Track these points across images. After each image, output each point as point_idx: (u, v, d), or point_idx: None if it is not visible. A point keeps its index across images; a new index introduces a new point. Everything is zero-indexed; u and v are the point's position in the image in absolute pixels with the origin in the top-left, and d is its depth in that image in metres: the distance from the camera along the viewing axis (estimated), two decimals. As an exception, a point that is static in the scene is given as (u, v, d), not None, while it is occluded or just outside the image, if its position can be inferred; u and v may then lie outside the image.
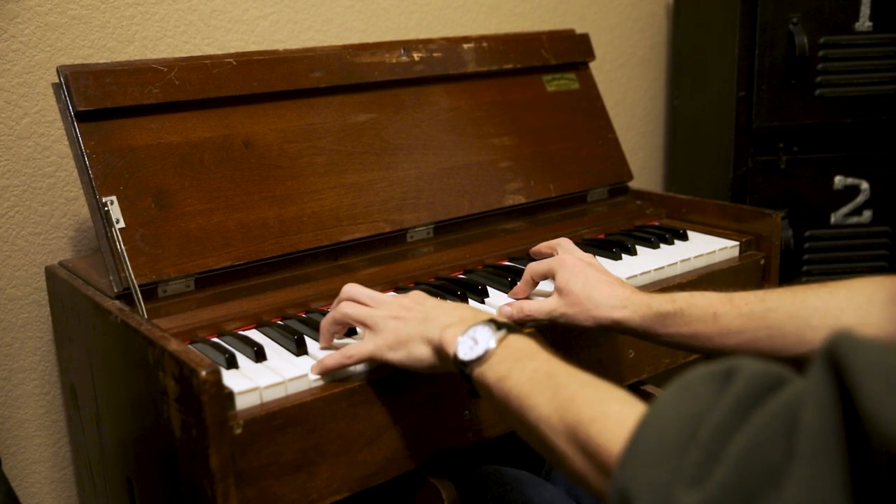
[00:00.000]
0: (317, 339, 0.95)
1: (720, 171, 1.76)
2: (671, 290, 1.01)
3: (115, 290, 0.99)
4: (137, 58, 1.29)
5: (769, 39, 1.64)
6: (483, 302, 1.08)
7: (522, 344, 0.75)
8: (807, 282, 1.71)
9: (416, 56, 1.30)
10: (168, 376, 0.81)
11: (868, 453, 0.42)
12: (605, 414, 0.61)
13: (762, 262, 1.27)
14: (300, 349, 0.93)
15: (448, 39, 1.35)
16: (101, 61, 1.19)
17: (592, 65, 1.53)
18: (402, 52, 1.29)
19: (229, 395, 0.82)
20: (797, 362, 0.83)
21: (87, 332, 1.06)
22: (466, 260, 1.21)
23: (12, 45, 1.23)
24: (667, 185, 2.08)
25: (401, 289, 1.13)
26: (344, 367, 0.87)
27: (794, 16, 1.63)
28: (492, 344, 0.75)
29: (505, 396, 0.72)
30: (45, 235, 1.29)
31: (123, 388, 0.97)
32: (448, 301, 0.90)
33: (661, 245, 1.28)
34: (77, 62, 1.23)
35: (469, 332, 0.78)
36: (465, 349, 0.77)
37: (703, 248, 1.25)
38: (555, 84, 1.45)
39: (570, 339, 1.04)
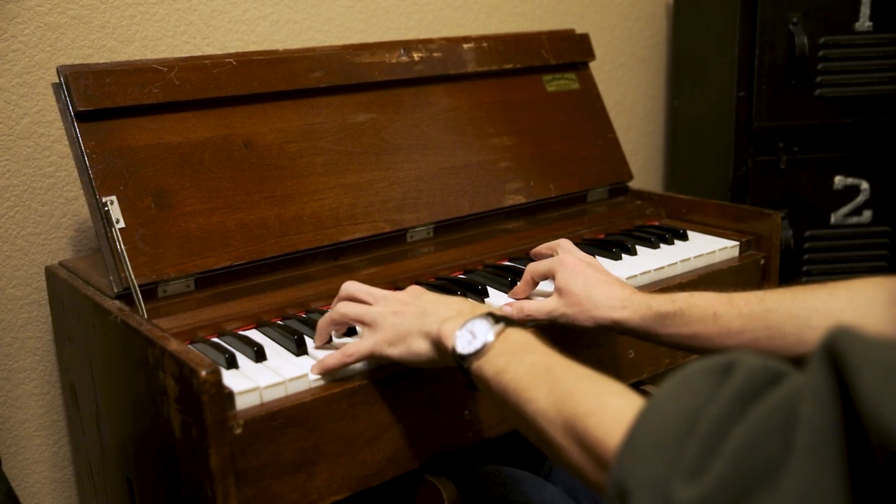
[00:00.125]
0: (317, 339, 0.95)
1: (720, 171, 1.76)
2: (671, 291, 1.01)
3: (115, 290, 0.99)
4: (137, 58, 1.29)
5: (769, 39, 1.64)
6: (483, 302, 1.08)
7: (520, 337, 0.75)
8: (807, 282, 1.72)
9: (416, 56, 1.30)
10: (168, 376, 0.81)
11: (866, 448, 0.42)
12: (603, 407, 0.61)
13: (762, 262, 1.27)
14: (300, 349, 0.93)
15: (448, 39, 1.35)
16: (101, 61, 1.19)
17: (592, 65, 1.53)
18: (402, 52, 1.29)
19: (229, 395, 0.82)
20: (797, 363, 0.83)
21: (87, 332, 1.06)
22: (466, 260, 1.21)
23: (12, 45, 1.23)
24: (667, 185, 2.08)
25: (401, 289, 1.13)
26: (345, 365, 0.87)
27: (794, 16, 1.63)
28: (490, 337, 0.75)
29: (503, 390, 0.72)
30: (45, 235, 1.29)
31: (123, 388, 0.97)
32: (446, 295, 0.90)
33: (661, 245, 1.28)
34: (77, 62, 1.23)
35: (467, 325, 0.78)
36: (464, 343, 0.77)
37: (703, 248, 1.25)
38: (555, 84, 1.45)
39: (570, 339, 1.04)
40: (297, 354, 0.93)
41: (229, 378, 0.85)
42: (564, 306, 0.94)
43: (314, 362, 0.89)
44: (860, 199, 1.71)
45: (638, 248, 1.26)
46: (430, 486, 0.95)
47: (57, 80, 1.04)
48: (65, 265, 1.18)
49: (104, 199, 1.00)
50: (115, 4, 1.31)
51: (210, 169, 1.09)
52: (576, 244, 1.08)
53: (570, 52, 1.48)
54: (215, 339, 0.98)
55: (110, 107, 1.04)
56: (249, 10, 1.44)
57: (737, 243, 1.27)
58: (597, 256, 1.19)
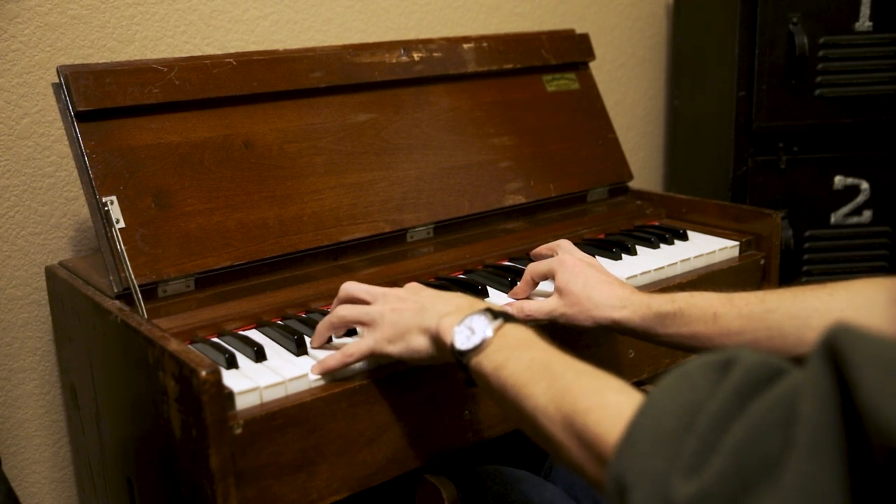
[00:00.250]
0: (317, 340, 0.95)
1: (720, 171, 1.76)
2: (671, 290, 1.01)
3: (115, 290, 0.99)
4: (137, 58, 1.29)
5: (769, 39, 1.64)
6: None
7: (519, 333, 0.75)
8: (807, 282, 1.72)
9: (416, 56, 1.30)
10: (168, 376, 0.81)
11: (866, 445, 0.42)
12: (602, 404, 0.61)
13: (762, 262, 1.27)
14: (300, 349, 0.93)
15: (448, 39, 1.35)
16: (101, 61, 1.19)
17: (592, 65, 1.53)
18: (402, 52, 1.29)
19: (229, 395, 0.82)
20: (797, 363, 0.83)
21: (87, 332, 1.06)
22: (466, 260, 1.21)
23: (12, 45, 1.23)
24: (667, 185, 2.08)
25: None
26: (346, 366, 0.87)
27: (794, 16, 1.63)
28: (488, 333, 0.75)
29: (501, 386, 0.72)
30: (45, 235, 1.29)
31: (123, 388, 0.97)
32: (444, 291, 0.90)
33: (661, 245, 1.28)
34: (77, 62, 1.23)
35: (465, 321, 0.78)
36: (462, 339, 0.77)
37: (703, 248, 1.25)
38: (555, 84, 1.45)
39: (571, 339, 1.04)
40: (297, 354, 0.93)
41: (229, 378, 0.85)
42: (564, 306, 0.94)
43: (314, 362, 0.89)
44: (860, 199, 1.71)
45: (638, 248, 1.26)
46: (430, 486, 0.95)
47: (57, 80, 1.04)
48: (65, 265, 1.18)
49: (104, 199, 1.00)
50: (115, 4, 1.31)
51: (210, 169, 1.09)
52: (576, 244, 1.08)
53: (570, 52, 1.49)
54: (215, 339, 0.98)
55: (110, 107, 1.04)
56: (249, 10, 1.44)
57: (737, 243, 1.27)
58: (597, 256, 1.19)
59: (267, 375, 0.87)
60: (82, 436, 1.20)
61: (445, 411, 0.95)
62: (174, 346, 0.81)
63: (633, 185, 1.51)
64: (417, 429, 0.92)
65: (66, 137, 1.14)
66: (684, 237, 1.30)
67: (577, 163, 1.42)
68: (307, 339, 0.95)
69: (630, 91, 2.00)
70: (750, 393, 0.49)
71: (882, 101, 1.66)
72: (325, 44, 1.47)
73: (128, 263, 0.98)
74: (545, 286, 1.06)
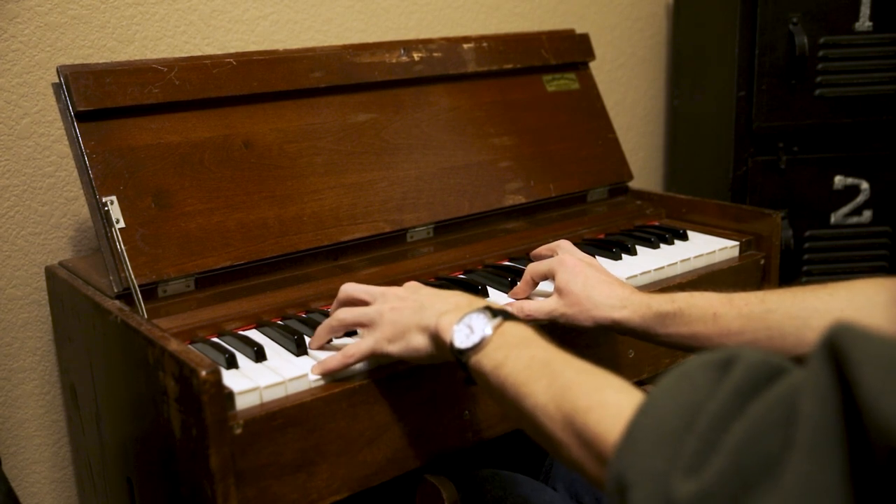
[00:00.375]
0: (317, 340, 0.95)
1: (720, 171, 1.76)
2: (671, 290, 1.01)
3: (115, 290, 0.99)
4: (137, 58, 1.29)
5: (769, 39, 1.64)
6: (483, 302, 1.08)
7: (518, 331, 0.75)
8: (807, 282, 1.72)
9: (416, 56, 1.30)
10: (168, 376, 0.81)
11: (867, 444, 0.42)
12: (603, 402, 0.61)
13: (762, 262, 1.27)
14: (300, 349, 0.93)
15: (448, 39, 1.35)
16: (101, 61, 1.19)
17: (592, 65, 1.53)
18: (402, 52, 1.29)
19: (229, 395, 0.82)
20: (798, 363, 0.83)
21: (87, 332, 1.06)
22: (466, 260, 1.21)
23: (12, 45, 1.23)
24: (667, 185, 2.08)
25: (401, 289, 1.13)
26: (346, 367, 0.87)
27: (794, 16, 1.63)
28: (488, 331, 0.75)
29: (501, 384, 0.71)
30: (45, 235, 1.29)
31: (123, 388, 0.97)
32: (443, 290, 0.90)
33: (661, 245, 1.28)
34: (77, 62, 1.23)
35: (465, 319, 0.77)
36: (461, 337, 0.76)
37: (703, 248, 1.25)
38: (555, 84, 1.45)
39: (571, 339, 1.04)
40: (297, 354, 0.93)
41: (229, 378, 0.85)
42: (564, 306, 0.94)
43: (314, 362, 0.89)
44: (860, 199, 1.71)
45: (638, 248, 1.26)
46: (430, 486, 0.95)
47: (57, 80, 1.04)
48: (65, 265, 1.18)
49: (104, 199, 1.00)
50: (115, 4, 1.31)
51: (210, 169, 1.09)
52: (576, 244, 1.08)
53: (570, 52, 1.49)
54: (215, 339, 0.98)
55: (110, 107, 1.04)
56: (249, 10, 1.44)
57: (737, 243, 1.27)
58: (597, 256, 1.19)
59: (267, 375, 0.87)
60: (82, 436, 1.20)
61: (445, 411, 0.94)
62: (174, 346, 0.81)
63: (633, 185, 1.51)
64: (417, 429, 0.92)
65: (66, 137, 1.14)
66: (684, 237, 1.30)
67: (577, 163, 1.42)
68: (307, 339, 0.95)
69: (630, 91, 2.00)
70: (750, 392, 0.49)
71: (882, 101, 1.66)
72: (325, 44, 1.47)
73: (128, 263, 0.98)
74: (545, 286, 1.06)
